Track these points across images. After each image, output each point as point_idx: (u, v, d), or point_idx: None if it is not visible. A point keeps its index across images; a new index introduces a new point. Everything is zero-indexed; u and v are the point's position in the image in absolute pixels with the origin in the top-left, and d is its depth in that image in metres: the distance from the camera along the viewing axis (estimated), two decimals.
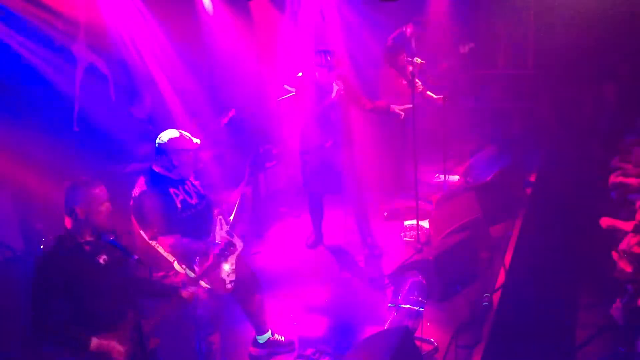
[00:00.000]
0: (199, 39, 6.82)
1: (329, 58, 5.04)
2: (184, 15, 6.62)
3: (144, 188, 3.66)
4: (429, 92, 6.36)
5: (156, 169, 3.76)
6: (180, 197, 3.73)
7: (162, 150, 3.74)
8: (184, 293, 3.33)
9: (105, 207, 3.19)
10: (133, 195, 3.69)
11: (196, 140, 3.82)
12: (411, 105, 5.15)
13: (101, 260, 3.18)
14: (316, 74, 5.10)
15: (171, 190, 3.70)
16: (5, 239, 4.62)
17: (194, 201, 3.80)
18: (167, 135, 3.77)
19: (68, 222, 3.13)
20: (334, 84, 5.07)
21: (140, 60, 5.97)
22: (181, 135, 3.78)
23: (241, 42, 7.17)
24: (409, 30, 6.78)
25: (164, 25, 6.15)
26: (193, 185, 3.89)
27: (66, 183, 3.17)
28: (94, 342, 3.00)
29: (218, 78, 7.00)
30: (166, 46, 6.23)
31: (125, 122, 5.56)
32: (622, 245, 4.64)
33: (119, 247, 3.07)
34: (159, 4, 6.04)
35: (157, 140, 3.77)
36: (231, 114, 6.48)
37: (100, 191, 3.18)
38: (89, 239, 3.17)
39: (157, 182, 3.69)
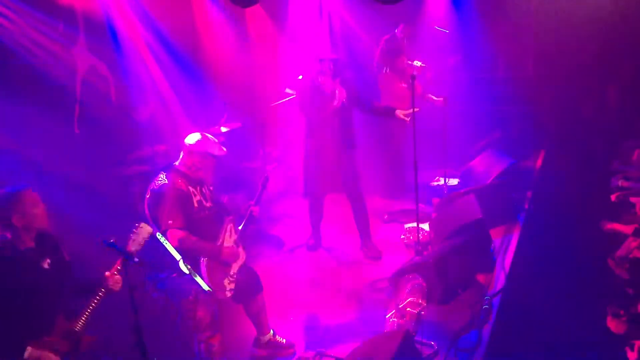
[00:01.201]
0: (200, 42, 6.84)
1: (332, 66, 5.05)
2: (185, 18, 6.64)
3: (165, 182, 3.71)
4: (429, 95, 6.36)
5: (178, 166, 3.82)
6: (198, 197, 3.79)
7: (190, 150, 3.80)
8: (110, 282, 3.27)
9: (40, 209, 3.21)
10: (151, 188, 3.74)
11: (223, 149, 3.90)
12: (418, 109, 5.15)
13: (45, 265, 3.21)
14: (319, 80, 5.11)
15: (190, 188, 3.76)
16: None
17: (208, 204, 3.85)
18: (197, 137, 3.83)
19: (7, 233, 3.14)
20: (336, 92, 5.08)
21: (141, 63, 5.98)
22: (211, 140, 3.86)
23: (242, 44, 7.18)
24: (399, 31, 6.80)
25: (165, 28, 6.16)
26: (209, 189, 3.94)
27: None
28: (29, 351, 3.02)
29: (219, 80, 7.00)
30: (167, 49, 6.25)
31: (126, 124, 5.57)
32: (620, 252, 4.65)
33: (118, 249, 3.07)
34: (160, 7, 6.06)
35: (186, 140, 3.83)
36: (236, 125, 6.49)
37: (30, 195, 3.19)
38: (30, 245, 3.19)
39: (178, 177, 3.75)
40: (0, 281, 3.06)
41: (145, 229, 3.26)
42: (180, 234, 3.62)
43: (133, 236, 3.24)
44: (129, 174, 5.58)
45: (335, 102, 5.07)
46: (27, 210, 3.15)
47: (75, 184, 4.70)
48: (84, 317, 3.23)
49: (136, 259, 3.08)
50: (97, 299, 3.24)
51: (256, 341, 4.22)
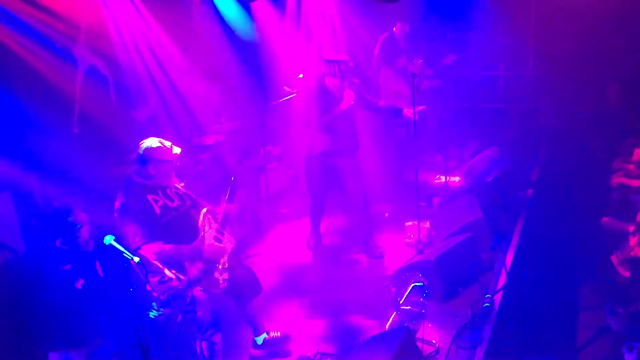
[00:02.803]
0: (200, 40, 6.83)
1: (342, 68, 5.04)
2: (185, 16, 6.63)
3: (123, 199, 3.66)
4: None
5: (135, 178, 3.76)
6: (160, 202, 3.72)
7: (140, 159, 3.74)
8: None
9: (86, 231, 3.26)
10: (115, 207, 3.69)
11: (176, 150, 3.82)
12: (424, 107, 5.14)
13: (79, 286, 3.25)
14: (328, 82, 5.09)
15: (149, 197, 3.69)
16: (6, 241, 4.62)
17: (175, 204, 3.78)
18: (145, 144, 3.77)
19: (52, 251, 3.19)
20: (345, 94, 5.07)
21: (141, 62, 5.98)
22: (160, 145, 3.77)
23: (242, 42, 7.18)
24: (397, 29, 6.81)
25: (165, 27, 6.16)
26: (175, 187, 3.89)
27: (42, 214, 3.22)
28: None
29: (219, 79, 7.00)
30: (167, 48, 6.24)
31: (126, 123, 5.56)
32: (621, 250, 4.65)
33: (120, 250, 3.07)
34: (160, 6, 6.05)
35: (138, 151, 3.77)
36: (236, 124, 6.49)
37: (79, 216, 3.25)
38: (68, 268, 3.24)
39: (135, 191, 3.69)
40: (39, 294, 3.11)
41: None
42: (153, 247, 3.57)
43: None
44: (129, 173, 5.56)
45: (343, 105, 5.06)
46: (74, 234, 3.21)
47: (75, 183, 4.70)
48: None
49: (137, 259, 3.07)
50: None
51: (254, 342, 4.23)
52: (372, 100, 5.37)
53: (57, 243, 3.13)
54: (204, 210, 3.90)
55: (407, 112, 5.24)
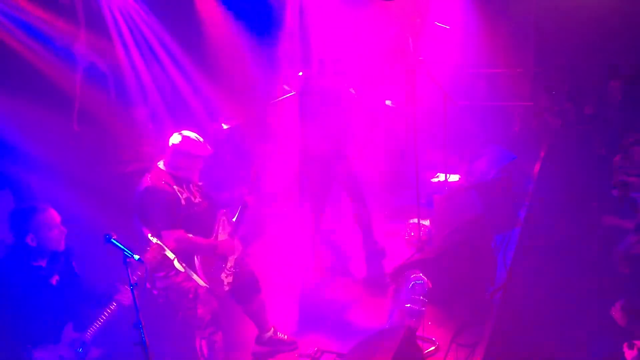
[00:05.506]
0: (200, 39, 6.82)
1: (344, 67, 5.03)
2: (185, 15, 6.62)
3: (149, 184, 3.69)
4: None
5: (163, 166, 3.79)
6: (185, 194, 3.76)
7: (175, 150, 3.76)
8: (123, 299, 3.28)
9: (56, 232, 3.22)
10: (137, 191, 3.72)
11: (208, 147, 3.87)
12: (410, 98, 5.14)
13: (53, 282, 3.24)
14: (330, 81, 5.07)
15: (176, 187, 3.73)
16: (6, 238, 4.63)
17: (197, 200, 3.83)
18: (183, 136, 3.79)
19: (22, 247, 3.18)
20: (342, 96, 5.06)
21: (141, 60, 5.97)
22: (197, 140, 3.81)
23: (242, 40, 7.16)
24: (401, 28, 6.81)
25: (165, 25, 6.15)
26: (197, 185, 3.92)
27: (12, 209, 3.24)
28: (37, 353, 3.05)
29: (219, 77, 6.98)
30: (167, 46, 6.23)
31: (126, 121, 5.56)
32: (621, 247, 4.66)
33: (120, 248, 3.07)
34: (160, 4, 6.04)
35: (172, 139, 3.78)
36: (236, 122, 6.49)
37: (49, 216, 3.21)
38: (43, 265, 3.23)
39: (162, 178, 3.72)
40: (8, 291, 3.08)
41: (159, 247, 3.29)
42: (176, 233, 3.61)
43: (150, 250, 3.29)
44: (129, 171, 5.56)
45: (345, 103, 5.05)
46: (42, 233, 3.18)
47: (75, 181, 4.69)
48: (92, 328, 3.26)
49: (137, 256, 3.07)
50: (107, 312, 3.27)
51: (258, 338, 4.23)
52: (370, 102, 5.37)
53: (28, 239, 3.16)
54: (222, 211, 3.96)
55: (387, 102, 5.23)
